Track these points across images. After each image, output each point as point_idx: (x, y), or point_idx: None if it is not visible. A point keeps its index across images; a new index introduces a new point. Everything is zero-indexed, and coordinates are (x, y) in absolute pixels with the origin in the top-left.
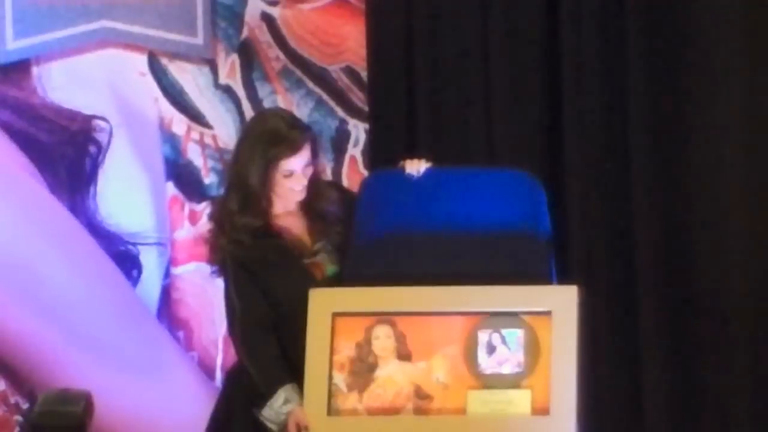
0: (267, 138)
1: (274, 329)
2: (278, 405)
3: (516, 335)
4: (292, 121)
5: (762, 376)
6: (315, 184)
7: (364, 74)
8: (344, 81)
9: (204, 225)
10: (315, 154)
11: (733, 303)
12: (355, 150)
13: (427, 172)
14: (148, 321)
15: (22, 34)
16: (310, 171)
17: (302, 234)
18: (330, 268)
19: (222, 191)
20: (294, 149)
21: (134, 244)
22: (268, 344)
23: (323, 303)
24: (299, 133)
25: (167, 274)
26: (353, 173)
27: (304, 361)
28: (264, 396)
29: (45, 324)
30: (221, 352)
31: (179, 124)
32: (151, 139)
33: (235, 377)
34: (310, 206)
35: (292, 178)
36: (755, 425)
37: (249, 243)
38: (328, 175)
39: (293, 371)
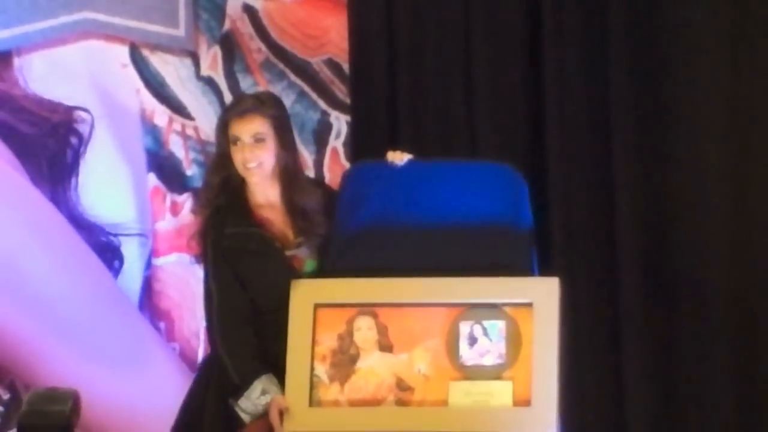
0: (228, 104)
1: (253, 320)
2: (255, 396)
3: (497, 327)
4: (259, 94)
5: (743, 366)
6: (294, 180)
7: (345, 67)
8: (326, 73)
9: (186, 216)
10: (282, 144)
11: (713, 294)
12: (336, 142)
13: (409, 164)
14: (129, 312)
15: (3, 24)
16: (263, 151)
17: (284, 228)
18: (309, 263)
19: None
20: (240, 113)
21: (116, 236)
22: (245, 335)
23: (305, 294)
24: (253, 102)
25: (149, 266)
26: (335, 165)
27: (285, 353)
28: (238, 387)
29: (26, 315)
30: (203, 343)
31: (161, 115)
32: (133, 130)
33: (209, 366)
34: (290, 202)
35: (238, 147)
36: (738, 415)
37: (219, 202)
38: (309, 167)
39: (272, 362)
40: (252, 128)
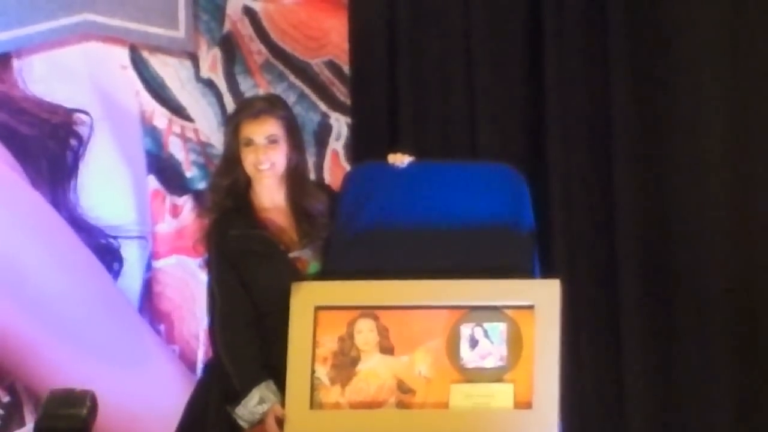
0: (237, 106)
1: (256, 323)
2: (253, 404)
3: (499, 329)
4: (267, 97)
5: (743, 365)
6: (301, 182)
7: (346, 68)
8: (326, 75)
9: (186, 218)
10: (293, 145)
11: (713, 293)
12: (337, 144)
13: (411, 165)
14: (129, 314)
15: (3, 26)
16: (276, 152)
17: (289, 230)
18: (313, 265)
19: (203, 184)
20: (253, 115)
21: (116, 238)
22: (246, 340)
23: (306, 296)
24: (264, 104)
25: (149, 268)
26: (335, 167)
27: (286, 355)
28: (238, 393)
29: (26, 317)
30: (202, 345)
31: (161, 117)
32: (133, 132)
33: (213, 368)
34: (296, 205)
35: (251, 149)
36: (738, 414)
37: (226, 204)
38: (310, 168)
39: (274, 365)
40: (266, 129)
